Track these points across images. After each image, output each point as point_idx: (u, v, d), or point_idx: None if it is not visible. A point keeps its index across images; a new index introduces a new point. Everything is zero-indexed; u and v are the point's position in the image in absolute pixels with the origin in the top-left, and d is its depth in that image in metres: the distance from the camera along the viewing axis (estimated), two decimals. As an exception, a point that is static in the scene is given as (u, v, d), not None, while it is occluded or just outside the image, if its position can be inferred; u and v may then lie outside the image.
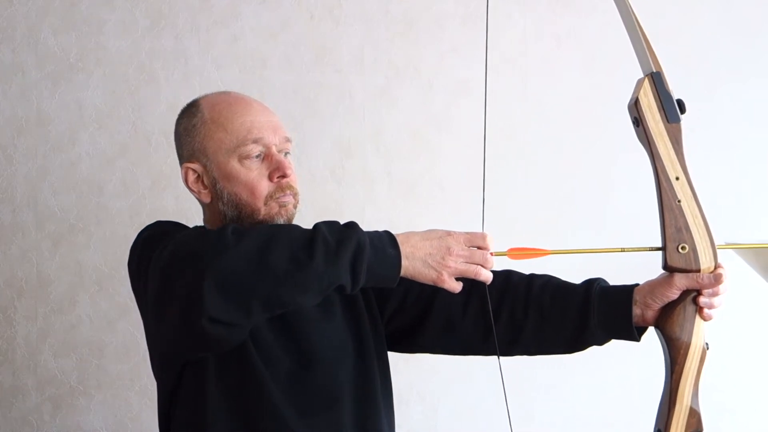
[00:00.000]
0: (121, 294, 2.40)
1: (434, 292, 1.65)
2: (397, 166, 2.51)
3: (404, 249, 1.42)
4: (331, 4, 2.50)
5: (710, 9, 2.56)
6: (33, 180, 2.41)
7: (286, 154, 1.62)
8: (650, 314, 1.54)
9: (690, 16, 2.55)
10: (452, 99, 2.51)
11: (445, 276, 1.45)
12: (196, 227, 1.65)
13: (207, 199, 1.62)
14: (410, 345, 1.76)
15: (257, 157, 1.58)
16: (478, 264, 1.46)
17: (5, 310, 2.40)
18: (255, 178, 1.58)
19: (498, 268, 1.69)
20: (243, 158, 1.57)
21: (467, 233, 1.47)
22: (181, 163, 1.65)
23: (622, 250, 1.54)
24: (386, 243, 1.42)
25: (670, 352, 1.49)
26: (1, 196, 2.40)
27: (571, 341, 1.63)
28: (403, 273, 1.43)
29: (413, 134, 2.51)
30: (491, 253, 1.47)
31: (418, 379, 2.50)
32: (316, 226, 1.42)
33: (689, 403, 1.48)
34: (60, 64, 2.42)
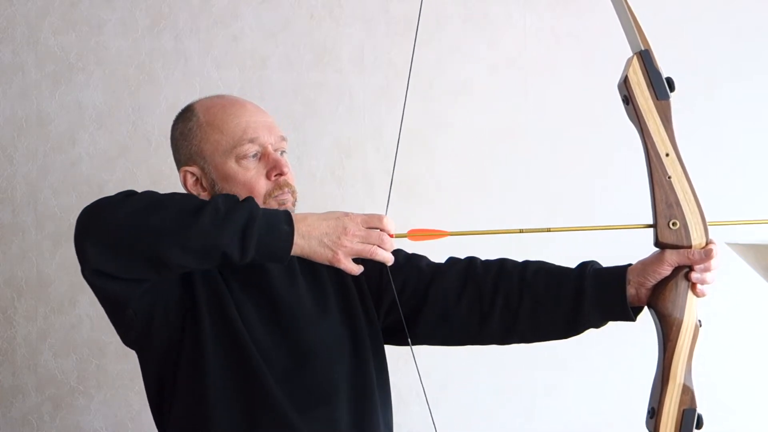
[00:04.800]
0: (120, 294, 2.40)
1: (429, 282, 1.67)
2: (398, 166, 2.50)
3: (300, 228, 1.43)
4: (331, 4, 2.50)
5: (710, 8, 2.56)
6: (33, 180, 2.41)
7: (283, 152, 1.64)
8: (644, 292, 1.54)
9: (690, 14, 2.55)
10: (452, 99, 2.51)
11: (341, 255, 1.46)
12: None
13: (206, 201, 1.63)
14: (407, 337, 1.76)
15: (254, 156, 1.60)
16: (374, 244, 1.47)
17: (5, 310, 2.40)
18: (253, 177, 1.60)
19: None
20: (240, 158, 1.59)
21: (365, 214, 1.48)
22: (178, 168, 1.68)
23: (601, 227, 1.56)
24: (281, 220, 1.43)
25: (662, 329, 1.48)
26: (1, 196, 2.40)
27: (568, 325, 1.63)
28: (298, 252, 1.44)
29: (413, 134, 2.51)
30: (391, 235, 1.48)
31: (417, 380, 2.49)
32: (213, 197, 1.45)
33: (682, 380, 1.47)
34: (60, 64, 2.42)
